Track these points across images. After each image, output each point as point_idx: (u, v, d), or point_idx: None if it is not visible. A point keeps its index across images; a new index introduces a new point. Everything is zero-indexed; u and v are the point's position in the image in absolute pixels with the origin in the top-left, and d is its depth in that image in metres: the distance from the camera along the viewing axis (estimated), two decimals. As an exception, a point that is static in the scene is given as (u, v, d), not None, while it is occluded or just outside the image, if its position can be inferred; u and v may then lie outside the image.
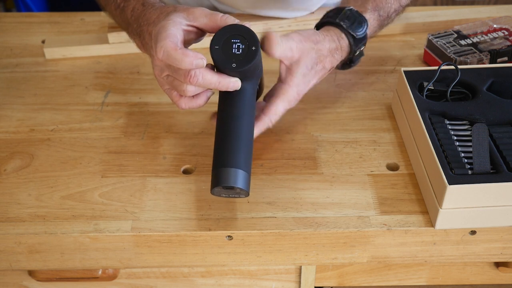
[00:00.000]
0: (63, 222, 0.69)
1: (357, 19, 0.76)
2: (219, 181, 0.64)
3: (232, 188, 0.65)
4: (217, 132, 0.68)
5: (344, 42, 0.76)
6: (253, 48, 0.66)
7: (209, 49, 0.66)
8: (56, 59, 0.98)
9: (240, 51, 0.66)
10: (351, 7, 0.77)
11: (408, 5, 0.87)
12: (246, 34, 0.66)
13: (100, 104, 0.87)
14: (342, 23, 0.76)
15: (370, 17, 0.78)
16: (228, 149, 0.65)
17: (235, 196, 0.67)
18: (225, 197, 0.68)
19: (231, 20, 0.68)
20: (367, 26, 0.76)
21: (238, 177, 0.64)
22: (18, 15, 1.12)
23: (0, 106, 0.87)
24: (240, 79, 0.68)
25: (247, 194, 0.66)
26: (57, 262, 0.71)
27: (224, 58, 0.66)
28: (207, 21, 0.68)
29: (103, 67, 0.96)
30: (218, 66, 0.66)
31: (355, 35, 0.76)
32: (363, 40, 0.77)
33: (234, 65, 0.66)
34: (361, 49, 0.78)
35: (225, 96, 0.69)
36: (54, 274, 0.75)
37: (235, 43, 0.66)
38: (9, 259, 0.71)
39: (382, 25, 0.82)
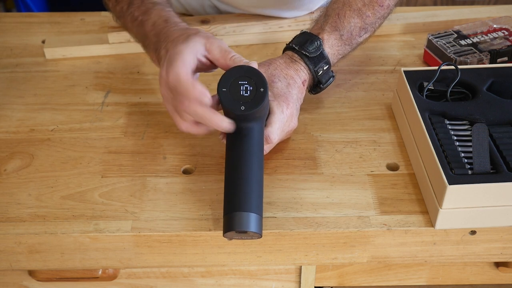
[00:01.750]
0: (63, 222, 0.69)
1: (309, 39, 0.79)
2: (232, 226, 0.64)
3: (245, 232, 0.64)
4: (227, 175, 0.67)
5: (300, 63, 0.79)
6: (262, 89, 0.65)
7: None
8: (56, 59, 0.98)
9: (248, 93, 0.65)
10: (306, 30, 0.82)
11: (382, 18, 0.86)
12: (253, 76, 0.66)
13: (100, 104, 0.88)
14: (294, 45, 0.80)
15: (329, 36, 0.80)
16: (239, 193, 0.65)
17: (248, 238, 0.66)
18: (237, 239, 0.67)
19: (239, 61, 0.67)
20: (320, 43, 0.79)
21: (251, 221, 0.64)
22: (18, 15, 1.12)
23: (0, 106, 0.87)
24: (248, 120, 0.67)
25: (259, 237, 0.66)
26: (57, 262, 0.71)
27: (232, 101, 0.65)
28: (219, 57, 0.69)
29: (103, 67, 0.96)
30: (226, 109, 0.66)
31: (307, 54, 0.78)
32: (321, 58, 0.79)
33: (243, 107, 0.65)
34: (324, 68, 0.79)
35: (233, 137, 0.68)
36: (54, 274, 0.75)
37: (243, 85, 0.65)
38: (9, 259, 0.71)
39: (350, 44, 0.83)
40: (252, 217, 0.64)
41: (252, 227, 0.64)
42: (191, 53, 0.68)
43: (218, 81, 0.67)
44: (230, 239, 0.67)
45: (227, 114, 0.68)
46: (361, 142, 0.80)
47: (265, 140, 0.70)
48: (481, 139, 0.69)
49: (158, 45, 0.74)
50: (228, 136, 0.69)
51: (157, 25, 0.76)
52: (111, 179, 0.75)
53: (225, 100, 0.65)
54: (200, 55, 0.69)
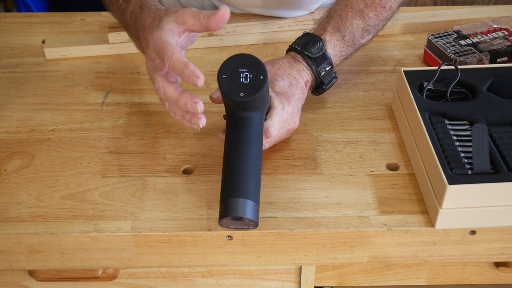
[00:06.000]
0: (63, 222, 0.69)
1: (311, 40, 0.80)
2: (228, 212, 0.64)
3: (240, 218, 0.64)
4: (225, 162, 0.67)
5: (303, 63, 0.79)
6: (261, 77, 0.66)
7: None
8: (56, 59, 0.98)
9: (248, 80, 0.66)
10: (308, 31, 0.82)
11: (386, 20, 0.87)
12: (253, 64, 0.66)
13: (100, 104, 0.88)
14: (296, 46, 0.80)
15: (331, 37, 0.81)
16: (237, 180, 0.65)
17: (244, 227, 0.67)
18: (233, 228, 0.67)
19: (210, 14, 0.68)
20: (322, 44, 0.79)
21: (247, 208, 0.64)
22: (18, 15, 1.12)
23: (0, 106, 0.87)
24: (248, 108, 0.67)
25: (256, 225, 0.66)
26: (57, 262, 0.71)
27: (232, 87, 0.65)
28: (194, 23, 0.70)
29: (103, 67, 0.96)
30: (226, 95, 0.66)
31: (310, 54, 0.79)
32: (324, 59, 0.79)
33: (242, 94, 0.65)
34: (327, 69, 0.80)
35: (233, 126, 0.68)
36: (54, 274, 0.75)
37: (243, 72, 0.66)
38: (9, 259, 0.71)
39: (353, 45, 0.83)
40: (248, 203, 0.64)
41: (248, 213, 0.64)
42: (171, 36, 0.69)
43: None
44: (227, 227, 0.67)
45: (226, 101, 0.68)
46: (361, 142, 0.80)
47: (264, 133, 0.71)
48: (481, 139, 0.69)
49: (137, 33, 0.76)
50: (228, 125, 0.70)
51: (134, 12, 0.78)
52: (111, 179, 0.75)
53: (224, 87, 0.66)
54: (176, 32, 0.70)
